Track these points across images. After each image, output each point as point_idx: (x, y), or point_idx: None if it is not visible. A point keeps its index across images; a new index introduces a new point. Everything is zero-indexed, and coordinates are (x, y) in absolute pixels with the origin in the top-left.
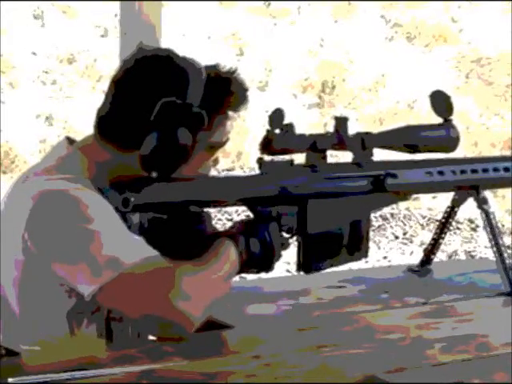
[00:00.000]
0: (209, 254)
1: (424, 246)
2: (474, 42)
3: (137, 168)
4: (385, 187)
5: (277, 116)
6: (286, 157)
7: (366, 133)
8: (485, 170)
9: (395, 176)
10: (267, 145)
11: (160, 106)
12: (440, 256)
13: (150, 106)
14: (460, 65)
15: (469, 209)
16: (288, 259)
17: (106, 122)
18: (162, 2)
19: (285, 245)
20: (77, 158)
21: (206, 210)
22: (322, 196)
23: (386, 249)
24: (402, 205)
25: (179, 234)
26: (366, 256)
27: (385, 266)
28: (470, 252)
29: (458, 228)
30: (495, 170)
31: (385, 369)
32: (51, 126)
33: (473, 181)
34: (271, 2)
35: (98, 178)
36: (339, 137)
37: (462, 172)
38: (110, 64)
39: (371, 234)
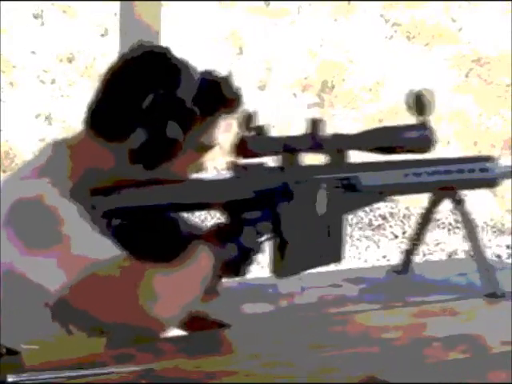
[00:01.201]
0: (182, 256)
1: (423, 245)
2: (473, 42)
3: (125, 164)
4: (358, 189)
5: (247, 118)
6: (259, 159)
7: (340, 134)
8: (460, 171)
9: (369, 177)
10: (238, 148)
11: (152, 98)
12: (440, 255)
13: (142, 98)
14: (460, 64)
15: (468, 208)
16: None
17: (98, 112)
18: (162, 2)
19: (259, 249)
20: (63, 160)
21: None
22: (296, 199)
23: (385, 248)
24: (402, 204)
25: (151, 239)
26: (340, 260)
27: (384, 266)
28: (469, 251)
29: (458, 227)
30: (471, 170)
31: (383, 368)
32: (50, 125)
33: (448, 182)
34: (271, 1)
35: (82, 178)
36: (312, 138)
37: (437, 173)
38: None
39: (370, 233)
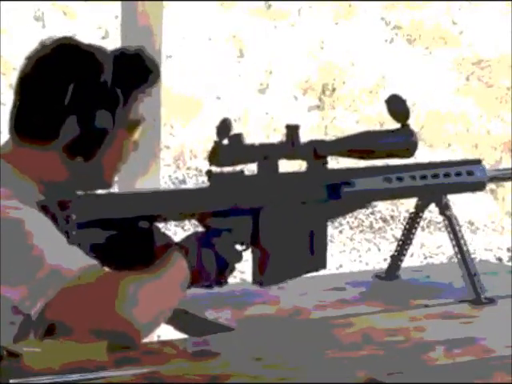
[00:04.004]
0: (157, 264)
1: (424, 248)
2: (474, 44)
3: (61, 159)
4: (340, 196)
5: (224, 126)
6: (237, 167)
7: (319, 140)
8: (446, 175)
9: (351, 184)
10: (215, 157)
11: (72, 89)
12: (440, 258)
13: (63, 92)
14: (460, 67)
15: (469, 210)
16: None
17: (22, 119)
18: (163, 3)
19: (238, 257)
20: (7, 170)
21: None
22: (275, 206)
23: (386, 251)
24: (403, 207)
25: (126, 250)
26: (324, 266)
27: (385, 269)
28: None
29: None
30: (457, 174)
31: (386, 371)
32: None
33: (434, 186)
34: (271, 3)
35: (43, 189)
36: (290, 145)
37: (423, 177)
38: None
39: (371, 236)
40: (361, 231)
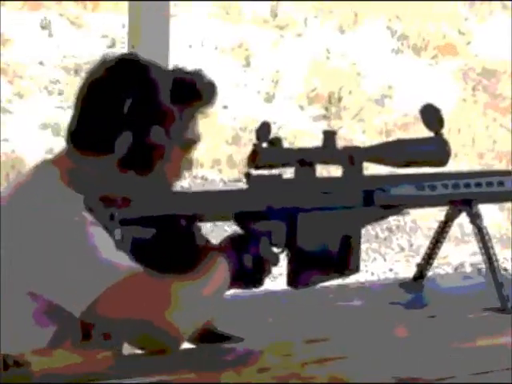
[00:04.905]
0: (200, 269)
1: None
2: (480, 55)
3: (113, 171)
4: (374, 202)
5: (264, 129)
6: (275, 171)
7: (355, 147)
8: (478, 185)
9: (385, 190)
10: (254, 159)
11: (130, 105)
12: (446, 268)
13: (120, 108)
14: (467, 77)
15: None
16: None
17: (80, 130)
18: (170, 11)
19: (275, 259)
20: (53, 173)
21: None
22: (312, 211)
23: (392, 261)
24: (408, 217)
25: (168, 248)
26: (357, 272)
27: (391, 278)
28: (477, 264)
29: (465, 241)
30: (489, 184)
31: (394, 381)
32: (58, 135)
33: (465, 195)
34: (278, 12)
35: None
36: (327, 151)
37: (455, 186)
38: None
39: (377, 246)
40: (366, 241)
